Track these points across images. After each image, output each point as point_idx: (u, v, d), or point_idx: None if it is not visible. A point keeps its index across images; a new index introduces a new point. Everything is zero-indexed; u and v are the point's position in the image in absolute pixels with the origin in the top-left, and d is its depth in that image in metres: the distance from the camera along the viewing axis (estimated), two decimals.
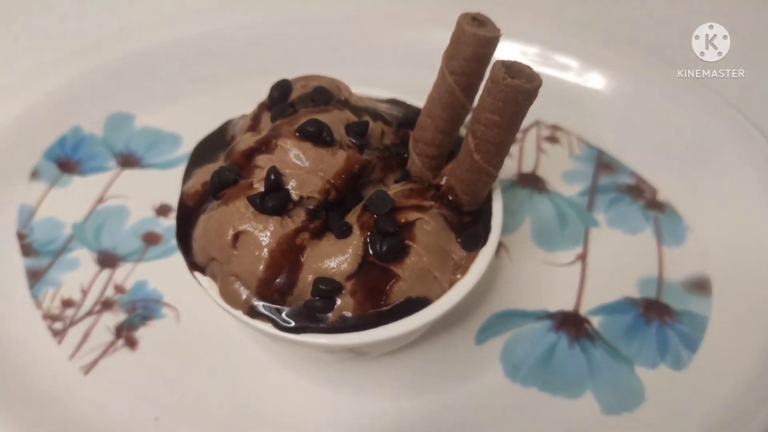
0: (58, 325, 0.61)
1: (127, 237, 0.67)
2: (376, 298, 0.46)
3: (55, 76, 0.78)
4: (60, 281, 0.64)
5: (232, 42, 0.83)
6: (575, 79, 0.81)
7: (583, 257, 0.67)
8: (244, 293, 0.48)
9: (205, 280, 0.50)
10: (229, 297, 0.48)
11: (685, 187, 0.71)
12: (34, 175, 0.72)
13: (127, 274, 0.64)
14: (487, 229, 0.52)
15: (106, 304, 0.62)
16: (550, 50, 0.83)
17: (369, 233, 0.48)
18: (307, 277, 0.46)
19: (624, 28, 0.88)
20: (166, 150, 0.75)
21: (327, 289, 0.46)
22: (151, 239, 0.67)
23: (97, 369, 0.58)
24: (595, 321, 0.61)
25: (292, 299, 0.47)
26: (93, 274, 0.64)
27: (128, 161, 0.75)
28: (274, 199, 0.47)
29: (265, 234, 0.47)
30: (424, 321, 0.48)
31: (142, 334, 0.60)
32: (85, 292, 0.63)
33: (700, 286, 0.63)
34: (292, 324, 0.47)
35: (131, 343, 0.60)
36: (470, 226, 0.52)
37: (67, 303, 0.62)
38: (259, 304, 0.48)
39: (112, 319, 0.61)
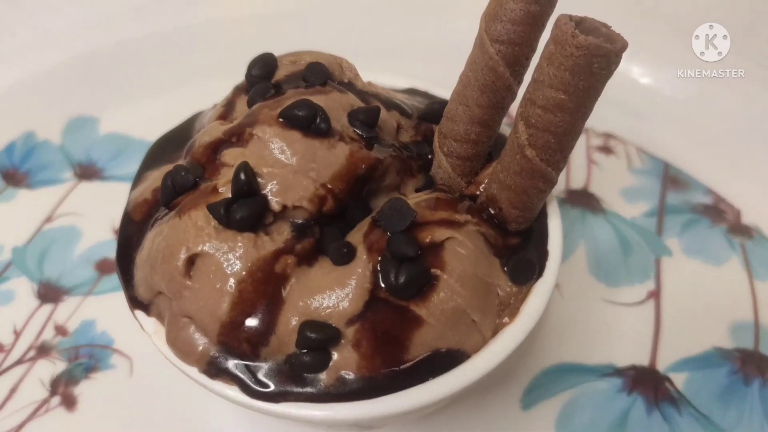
0: None
1: (76, 264, 0.56)
2: (390, 351, 0.34)
3: (6, 72, 0.68)
4: None
5: (214, 33, 0.72)
6: (631, 77, 0.69)
7: (656, 295, 0.53)
8: (201, 342, 0.35)
9: (150, 323, 0.37)
10: (180, 347, 0.35)
11: None
12: None
13: (71, 312, 0.53)
14: (542, 255, 0.39)
15: (43, 350, 0.51)
16: None
17: (380, 258, 0.34)
18: (290, 321, 0.34)
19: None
20: (133, 159, 0.63)
21: (319, 337, 0.33)
22: (105, 268, 0.56)
23: None
24: (679, 379, 0.49)
25: (268, 352, 0.34)
26: (30, 310, 0.54)
27: (87, 172, 0.63)
28: (244, 209, 0.34)
29: (231, 258, 0.34)
30: (458, 386, 0.35)
31: (83, 390, 0.49)
32: (17, 334, 0.52)
33: None
34: (269, 387, 0.34)
35: (69, 402, 0.48)
36: (519, 250, 0.38)
37: None
38: (222, 359, 0.34)
39: (48, 369, 0.50)
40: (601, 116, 0.65)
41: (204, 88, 0.66)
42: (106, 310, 0.53)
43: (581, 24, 0.33)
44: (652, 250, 0.56)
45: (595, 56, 0.32)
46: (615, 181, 0.61)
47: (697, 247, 0.56)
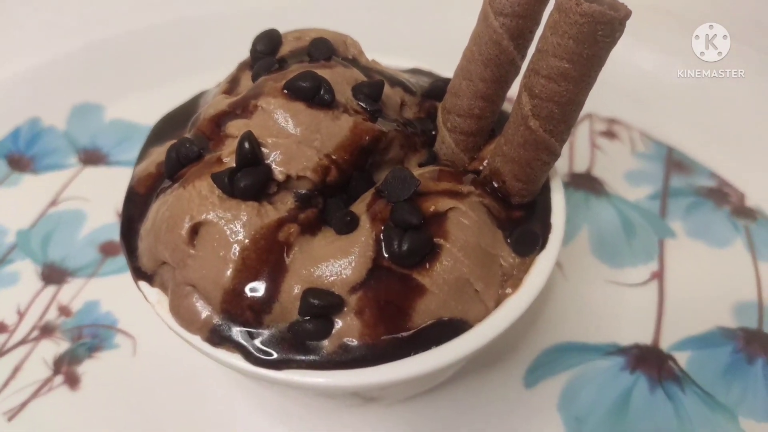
0: None
1: (80, 247, 0.57)
2: (393, 318, 0.34)
3: (13, 59, 0.68)
4: None
5: (217, 24, 0.73)
6: (634, 62, 0.68)
7: (659, 275, 0.54)
8: (204, 310, 0.35)
9: (153, 293, 0.37)
10: (183, 315, 0.35)
11: None
12: None
13: (75, 293, 0.54)
14: (545, 228, 0.39)
15: (46, 330, 0.51)
16: None
17: (383, 227, 0.34)
18: (293, 288, 0.34)
19: None
20: (138, 145, 0.60)
21: (322, 304, 0.33)
22: (109, 250, 0.56)
23: (26, 414, 0.47)
24: (682, 358, 0.49)
25: (271, 319, 0.35)
26: (34, 291, 0.54)
27: (92, 158, 0.63)
28: (248, 177, 0.34)
29: (234, 226, 0.34)
30: (461, 354, 0.35)
31: (87, 369, 0.49)
32: (21, 315, 0.52)
33: None
34: (272, 355, 0.34)
35: (72, 381, 0.48)
36: (522, 223, 0.39)
37: None
38: (225, 326, 0.35)
39: (52, 349, 0.50)
40: (606, 102, 0.66)
41: (209, 77, 0.67)
42: (111, 291, 0.53)
43: None
44: (656, 231, 0.56)
45: (599, 23, 0.32)
46: (619, 165, 0.62)
47: (701, 229, 0.56)
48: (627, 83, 0.67)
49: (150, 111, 0.65)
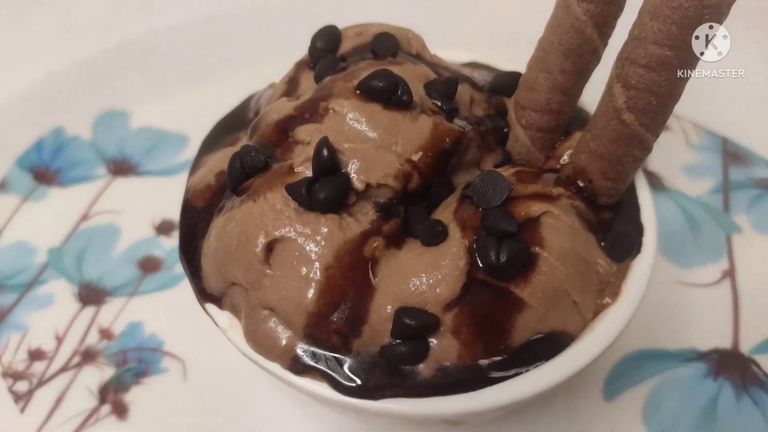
0: (21, 386, 0.48)
1: (117, 264, 0.55)
2: (492, 336, 0.32)
3: (33, 67, 0.66)
4: (27, 325, 0.52)
5: (244, 23, 0.71)
6: None
7: (731, 273, 0.52)
8: (285, 335, 0.33)
9: (223, 317, 0.35)
10: (261, 342, 0.33)
11: None
12: (2, 187, 0.60)
13: (116, 314, 0.52)
14: (638, 229, 0.37)
15: (88, 356, 0.50)
16: None
17: (476, 236, 0.31)
18: (384, 308, 0.32)
19: None
20: (169, 153, 0.62)
21: (417, 324, 0.31)
22: (149, 265, 0.54)
23: None
24: (765, 361, 0.48)
25: (360, 343, 0.32)
26: (72, 313, 0.52)
27: (122, 168, 0.61)
28: (327, 187, 0.32)
29: (315, 241, 0.32)
30: (566, 374, 0.32)
31: (135, 396, 0.48)
32: (60, 339, 0.51)
33: None
34: (363, 383, 0.31)
35: (120, 410, 0.47)
36: (612, 226, 0.37)
37: (35, 354, 0.50)
38: (309, 352, 0.32)
39: (95, 376, 0.49)
40: None
41: (232, 79, 0.65)
42: (154, 311, 0.51)
43: None
44: (722, 227, 0.54)
45: (706, 7, 0.30)
46: (675, 159, 0.60)
47: (767, 222, 0.54)
48: None
49: (178, 116, 0.64)
